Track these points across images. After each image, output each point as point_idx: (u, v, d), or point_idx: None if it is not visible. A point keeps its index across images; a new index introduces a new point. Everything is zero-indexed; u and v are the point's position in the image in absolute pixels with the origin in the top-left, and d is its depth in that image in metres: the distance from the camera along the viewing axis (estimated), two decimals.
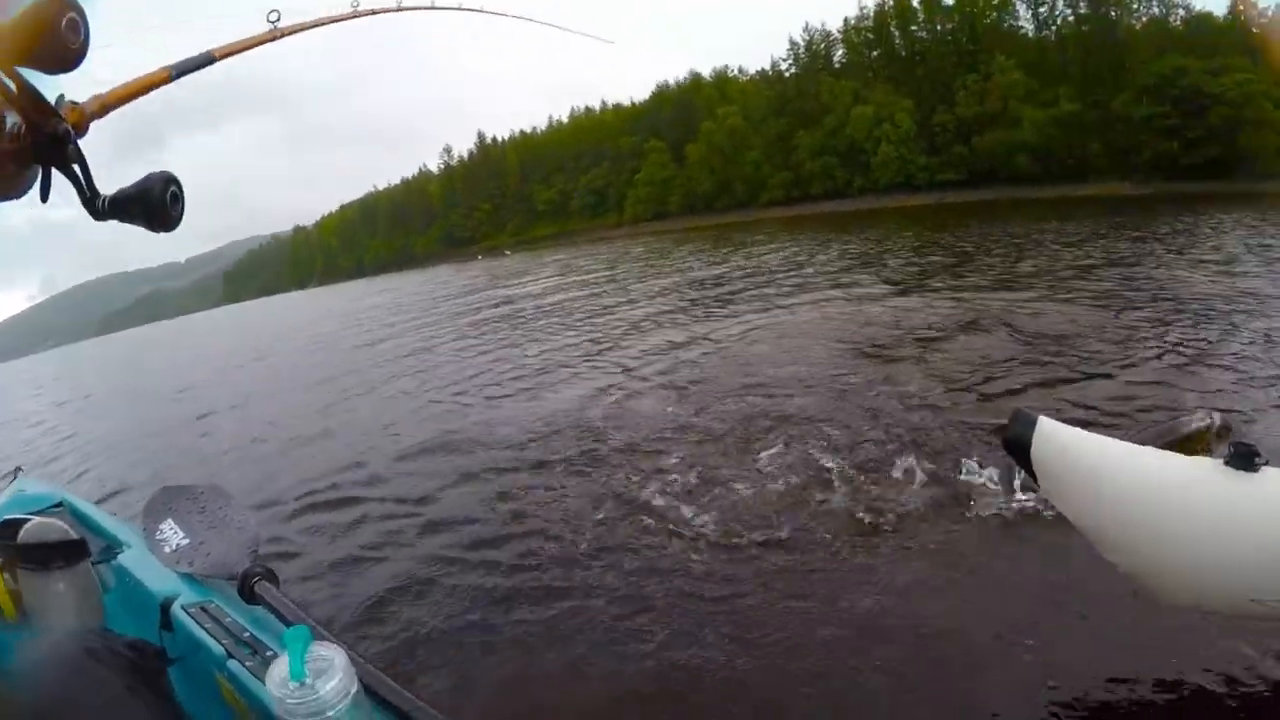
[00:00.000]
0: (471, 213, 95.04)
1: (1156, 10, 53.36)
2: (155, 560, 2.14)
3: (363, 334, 16.46)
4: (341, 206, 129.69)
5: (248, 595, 1.73)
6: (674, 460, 4.68)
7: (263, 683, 1.34)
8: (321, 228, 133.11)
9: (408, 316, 18.81)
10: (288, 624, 1.56)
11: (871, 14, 64.93)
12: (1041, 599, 2.82)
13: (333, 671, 1.08)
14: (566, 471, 4.89)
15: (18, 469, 3.56)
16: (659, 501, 4.08)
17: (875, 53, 64.72)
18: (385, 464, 5.79)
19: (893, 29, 63.64)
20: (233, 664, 1.52)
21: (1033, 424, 1.67)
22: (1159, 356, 5.83)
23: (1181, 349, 5.98)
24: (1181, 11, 52.41)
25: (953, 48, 59.58)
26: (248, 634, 1.62)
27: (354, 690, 1.10)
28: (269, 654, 1.51)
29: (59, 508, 2.75)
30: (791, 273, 15.16)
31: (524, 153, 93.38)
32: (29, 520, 1.91)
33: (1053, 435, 1.69)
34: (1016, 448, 1.70)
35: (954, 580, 3.04)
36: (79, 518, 2.57)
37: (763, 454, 4.56)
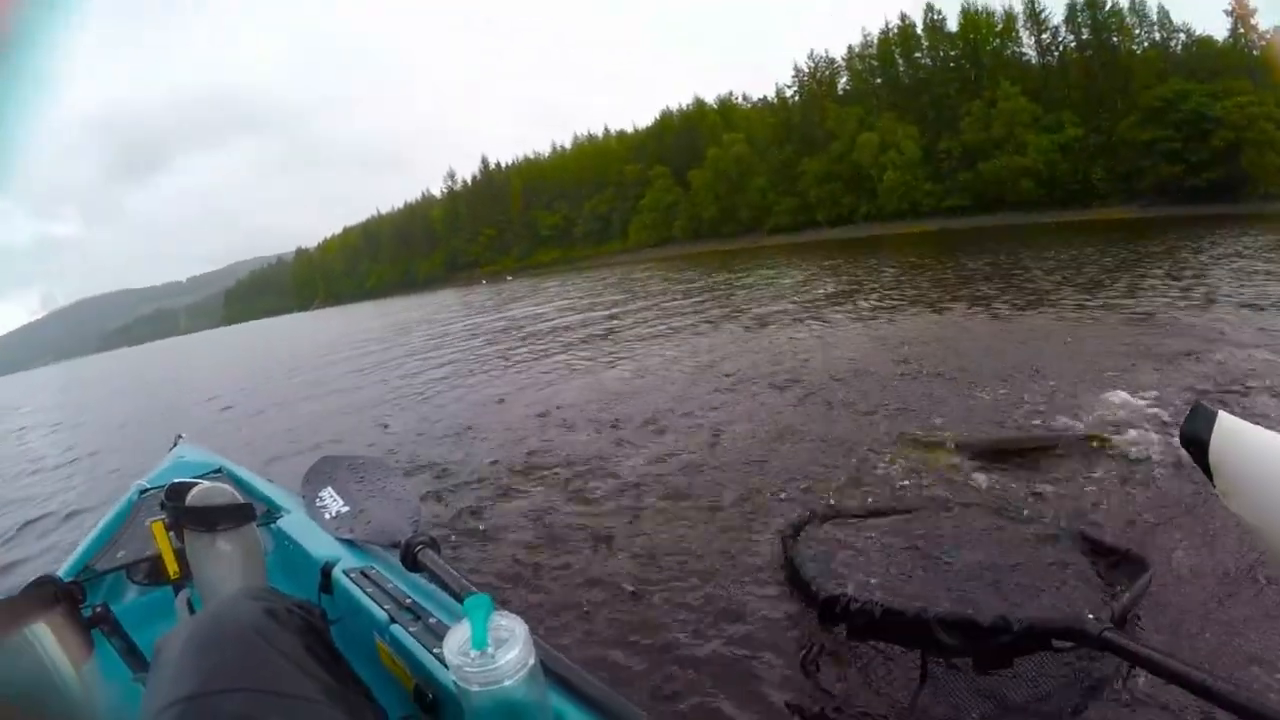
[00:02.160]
0: (475, 237, 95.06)
1: (1158, 35, 53.88)
2: (316, 526, 2.22)
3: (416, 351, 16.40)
4: (345, 229, 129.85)
5: (410, 563, 1.75)
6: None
7: (427, 649, 1.43)
8: (324, 250, 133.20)
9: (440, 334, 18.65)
10: (451, 593, 1.60)
11: (875, 42, 65.44)
12: None
13: (513, 642, 1.08)
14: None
15: (179, 436, 3.78)
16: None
17: (879, 80, 64.99)
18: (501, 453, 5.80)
19: (897, 56, 63.93)
20: (396, 628, 1.55)
21: (1212, 419, 1.51)
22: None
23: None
24: (1183, 36, 52.95)
25: (956, 75, 60.00)
26: (410, 600, 1.64)
27: (531, 662, 1.09)
28: (431, 620, 1.55)
29: (218, 473, 2.91)
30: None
31: (528, 178, 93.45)
32: (196, 484, 1.96)
33: (1234, 432, 1.53)
34: (1193, 444, 1.54)
35: None
36: (238, 483, 2.66)
37: None
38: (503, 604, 1.11)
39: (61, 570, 2.19)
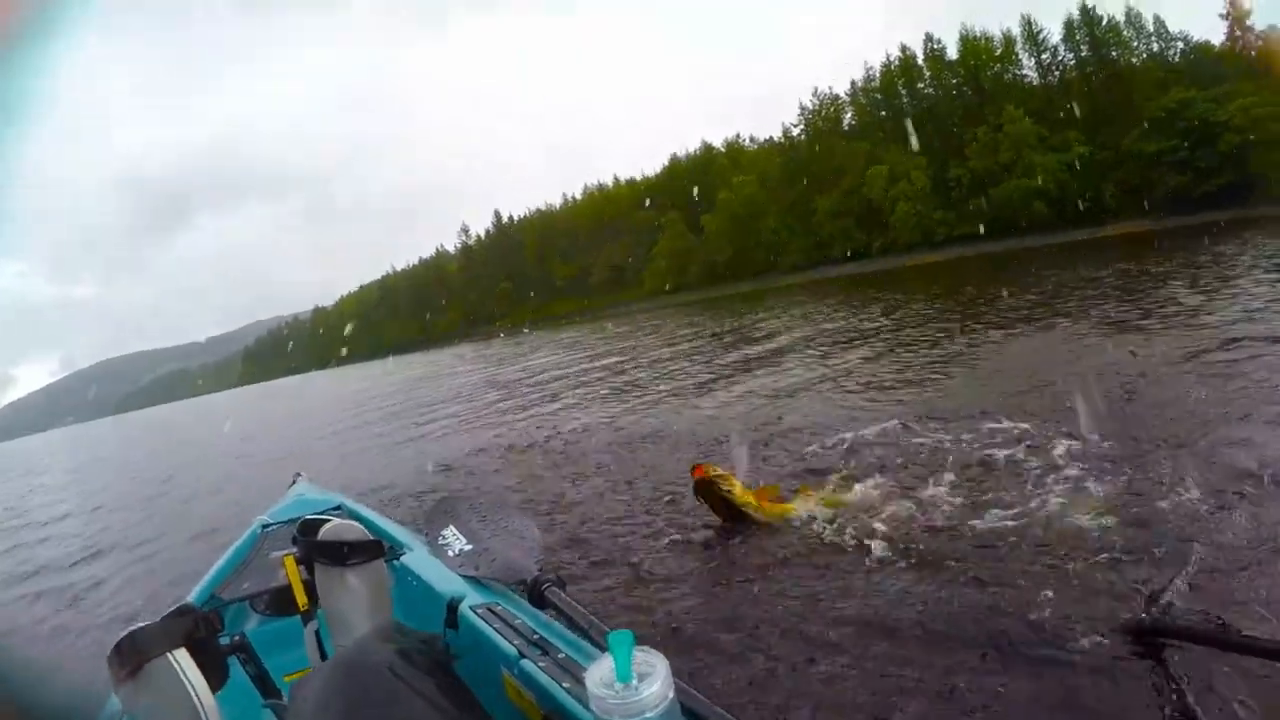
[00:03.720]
0: (491, 291, 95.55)
1: (1155, 46, 54.26)
2: (439, 563, 2.30)
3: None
4: (361, 286, 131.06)
5: (537, 600, 1.85)
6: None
7: (558, 682, 1.47)
8: (342, 307, 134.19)
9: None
10: (580, 630, 1.68)
11: (878, 75, 65.86)
12: None
13: (655, 676, 1.08)
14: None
15: (297, 474, 3.92)
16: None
17: (884, 113, 65.07)
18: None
19: (900, 88, 64.26)
20: (526, 663, 1.58)
21: None
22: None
23: None
24: (1180, 44, 53.42)
25: (960, 103, 60.37)
26: (538, 635, 1.68)
27: (671, 697, 1.09)
28: (560, 656, 1.59)
29: (338, 510, 3.03)
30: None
31: (541, 230, 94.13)
32: (327, 520, 2.02)
33: None
34: None
35: None
36: (360, 519, 2.66)
37: None
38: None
39: (192, 596, 2.33)
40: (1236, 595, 2.61)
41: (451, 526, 2.52)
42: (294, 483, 3.83)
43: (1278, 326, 7.92)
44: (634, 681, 1.05)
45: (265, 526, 2.94)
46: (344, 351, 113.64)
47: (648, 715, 1.04)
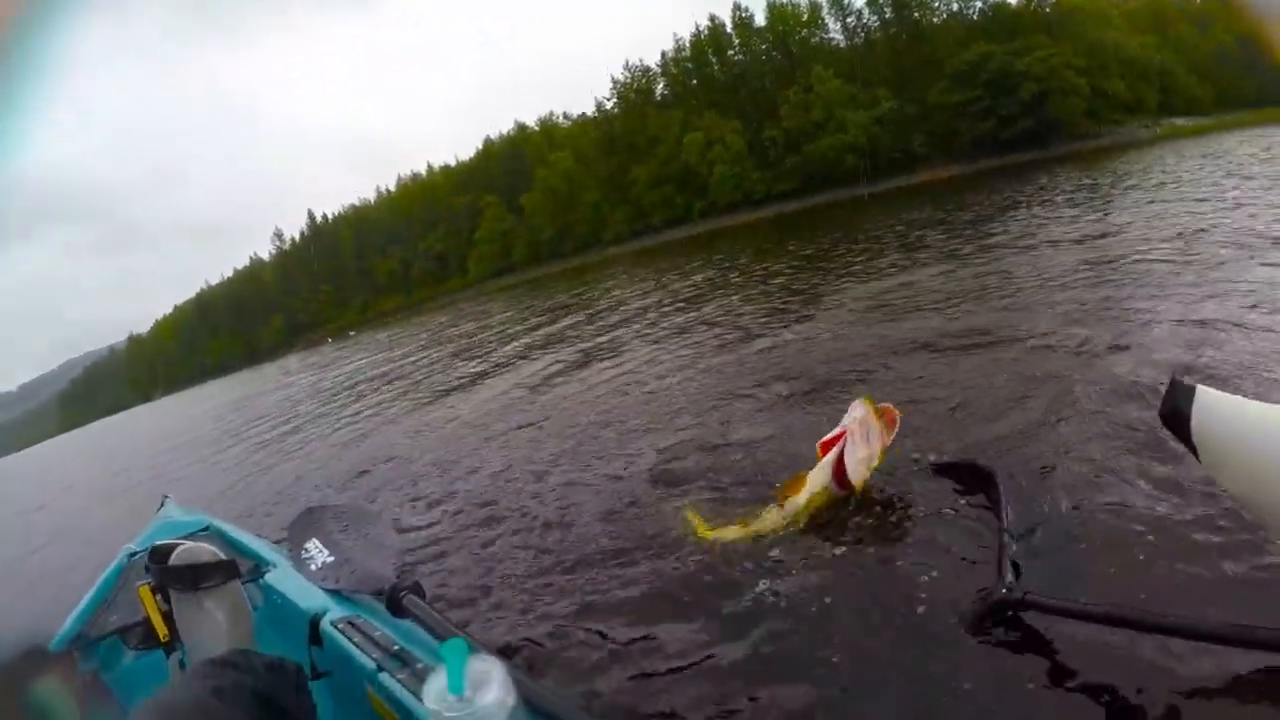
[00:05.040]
0: (314, 295, 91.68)
1: (956, 5, 57.41)
2: (302, 578, 2.18)
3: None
4: (176, 307, 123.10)
5: (396, 609, 1.76)
6: None
7: (415, 695, 1.42)
8: (158, 332, 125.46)
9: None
10: (437, 637, 1.62)
11: (688, 45, 66.52)
12: None
13: (491, 684, 1.06)
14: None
15: (165, 497, 3.60)
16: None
17: (695, 81, 66.14)
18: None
19: (710, 56, 65.33)
20: (384, 677, 1.53)
21: (1191, 394, 1.59)
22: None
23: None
24: (979, 3, 56.60)
25: (770, 67, 62.21)
26: (397, 647, 1.62)
27: (511, 703, 1.07)
28: (419, 666, 1.53)
29: (206, 531, 2.81)
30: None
31: (357, 226, 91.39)
32: (180, 544, 1.90)
33: (1214, 405, 1.59)
34: (1174, 421, 1.62)
35: None
36: (226, 540, 2.59)
37: None
38: (484, 643, 1.16)
39: (55, 638, 2.23)
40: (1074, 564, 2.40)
41: (315, 539, 2.36)
42: (162, 505, 3.47)
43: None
44: (468, 692, 1.06)
45: (132, 555, 2.70)
46: (162, 382, 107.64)
47: None
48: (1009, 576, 2.15)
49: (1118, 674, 1.84)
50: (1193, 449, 1.61)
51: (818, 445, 3.16)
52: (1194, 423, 1.59)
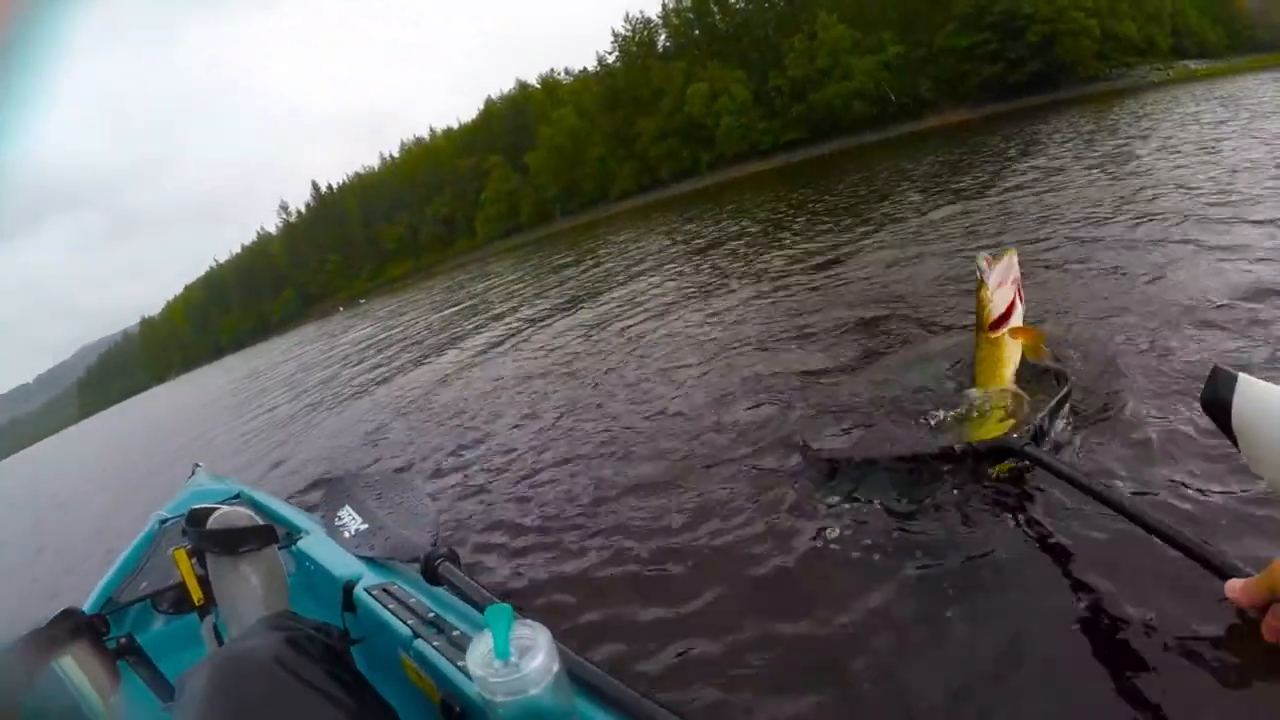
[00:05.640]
0: (322, 266, 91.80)
1: None
2: (335, 545, 2.20)
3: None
4: (186, 287, 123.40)
5: (431, 576, 1.73)
6: None
7: (452, 663, 1.41)
8: (170, 313, 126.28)
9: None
10: (473, 604, 1.59)
11: None
12: None
13: (536, 650, 1.05)
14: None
15: (196, 465, 3.73)
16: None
17: (697, 31, 65.34)
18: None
19: (711, 6, 64.40)
20: (420, 643, 1.52)
21: (1233, 383, 1.46)
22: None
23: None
24: None
25: (773, 14, 61.05)
26: (433, 614, 1.62)
27: (556, 669, 1.07)
28: (456, 634, 1.52)
29: (237, 498, 2.84)
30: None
31: (362, 195, 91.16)
32: (216, 509, 1.90)
33: (1258, 395, 1.46)
34: (1215, 409, 1.49)
35: None
36: (258, 507, 2.59)
37: None
38: (524, 611, 1.12)
39: (86, 604, 2.22)
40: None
41: (348, 506, 2.36)
42: (193, 474, 3.59)
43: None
44: (514, 657, 1.05)
45: (163, 521, 2.78)
46: (177, 362, 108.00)
47: (531, 692, 1.05)
48: (1028, 436, 2.22)
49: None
50: (1232, 439, 1.51)
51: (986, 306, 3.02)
52: (1235, 411, 1.50)
